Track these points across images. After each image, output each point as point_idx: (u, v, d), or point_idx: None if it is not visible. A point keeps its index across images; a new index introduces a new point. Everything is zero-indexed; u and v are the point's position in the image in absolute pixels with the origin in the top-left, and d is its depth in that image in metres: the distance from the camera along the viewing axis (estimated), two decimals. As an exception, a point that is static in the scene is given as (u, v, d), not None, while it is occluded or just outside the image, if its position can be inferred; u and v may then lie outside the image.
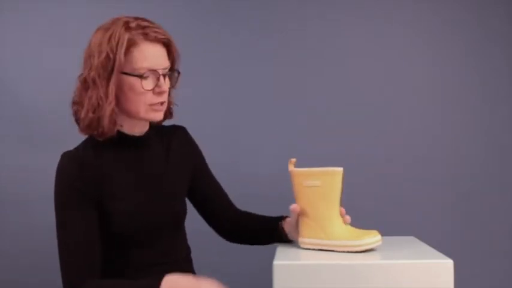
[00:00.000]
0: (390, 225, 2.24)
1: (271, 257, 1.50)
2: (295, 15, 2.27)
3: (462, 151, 2.26)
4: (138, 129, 1.50)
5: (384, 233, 2.19)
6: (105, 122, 1.39)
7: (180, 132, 1.64)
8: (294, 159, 1.52)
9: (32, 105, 2.24)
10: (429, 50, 2.27)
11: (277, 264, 1.42)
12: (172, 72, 1.48)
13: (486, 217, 2.25)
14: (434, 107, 2.27)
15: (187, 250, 1.63)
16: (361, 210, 2.26)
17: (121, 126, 1.46)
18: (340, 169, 1.47)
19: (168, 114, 1.58)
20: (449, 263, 1.40)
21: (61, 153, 1.40)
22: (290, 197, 2.25)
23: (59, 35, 2.26)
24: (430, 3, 2.27)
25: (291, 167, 1.53)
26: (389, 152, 2.26)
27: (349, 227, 1.48)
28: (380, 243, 1.45)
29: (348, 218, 1.52)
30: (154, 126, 1.59)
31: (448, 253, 1.53)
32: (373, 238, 1.43)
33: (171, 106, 1.58)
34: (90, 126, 1.41)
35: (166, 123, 1.62)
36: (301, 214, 1.51)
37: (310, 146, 2.26)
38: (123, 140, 1.48)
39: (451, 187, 2.25)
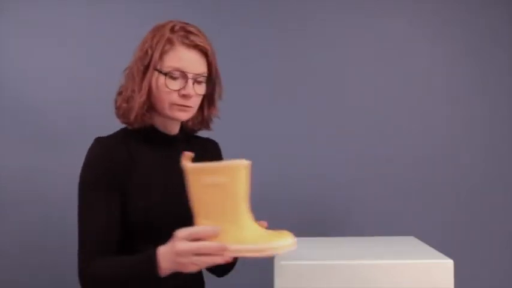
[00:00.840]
0: (390, 225, 2.24)
1: (272, 257, 1.50)
2: (296, 15, 2.27)
3: (462, 151, 2.26)
4: (168, 128, 1.53)
5: (384, 233, 2.20)
6: (133, 113, 1.46)
7: (210, 145, 1.66)
8: (189, 153, 1.30)
9: (32, 105, 2.24)
10: (430, 50, 2.27)
11: (277, 264, 1.42)
12: (210, 81, 1.51)
13: (486, 217, 2.25)
14: (435, 107, 2.27)
15: None
16: (361, 210, 2.26)
17: (150, 118, 1.49)
18: (247, 162, 1.24)
19: (205, 123, 1.59)
20: (449, 263, 1.40)
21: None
22: (290, 198, 2.25)
23: (59, 35, 2.26)
24: (431, 3, 2.27)
25: (186, 162, 1.28)
26: (390, 152, 2.26)
27: (260, 227, 1.26)
28: (294, 247, 1.25)
29: (264, 223, 1.39)
30: (188, 132, 1.62)
31: (448, 253, 1.53)
32: (286, 241, 1.22)
33: (211, 117, 1.59)
34: (124, 115, 1.49)
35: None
36: (201, 218, 1.29)
37: (310, 145, 2.26)
38: (154, 135, 1.52)
39: (451, 187, 2.25)
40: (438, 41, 2.27)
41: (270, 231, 1.24)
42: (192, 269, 1.26)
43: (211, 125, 1.61)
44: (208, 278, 1.99)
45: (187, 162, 1.28)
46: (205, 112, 1.57)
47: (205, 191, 1.25)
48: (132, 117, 1.47)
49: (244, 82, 2.26)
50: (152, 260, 1.30)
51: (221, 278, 1.76)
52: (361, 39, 2.28)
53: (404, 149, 2.26)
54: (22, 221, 2.23)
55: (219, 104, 1.59)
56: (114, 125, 1.69)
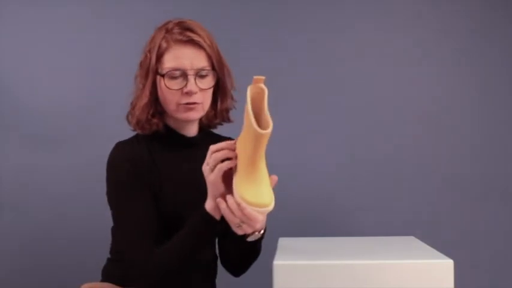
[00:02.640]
0: (390, 225, 2.24)
1: (271, 257, 1.50)
2: (296, 14, 2.27)
3: (462, 151, 2.26)
4: (184, 129, 1.53)
5: (384, 233, 2.20)
6: (135, 119, 1.48)
7: None
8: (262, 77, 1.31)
9: (32, 105, 2.24)
10: (431, 50, 2.27)
11: (277, 264, 1.42)
12: (215, 73, 1.49)
13: (486, 217, 2.25)
14: (435, 107, 2.26)
15: (214, 256, 1.65)
16: (361, 210, 2.26)
17: (159, 123, 1.48)
18: (267, 131, 1.28)
19: (221, 117, 1.57)
20: (449, 263, 1.40)
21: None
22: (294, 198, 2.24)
23: (60, 34, 2.26)
24: (432, 2, 2.27)
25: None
26: (390, 152, 2.26)
27: (267, 185, 1.35)
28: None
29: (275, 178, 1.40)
30: (209, 132, 1.62)
31: (448, 253, 1.53)
32: (259, 208, 1.30)
33: (228, 109, 1.57)
34: (130, 122, 1.51)
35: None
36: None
37: (309, 145, 2.25)
38: (172, 137, 1.52)
39: (452, 187, 2.25)
40: (439, 41, 2.27)
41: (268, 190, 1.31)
42: (213, 175, 1.31)
43: (231, 118, 1.59)
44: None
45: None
46: (219, 105, 1.55)
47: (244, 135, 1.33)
48: (133, 122, 1.49)
49: (242, 82, 2.25)
50: (202, 211, 1.36)
51: (219, 278, 1.76)
52: (360, 37, 2.27)
53: (404, 148, 2.26)
54: (22, 221, 2.23)
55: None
56: (115, 125, 1.69)
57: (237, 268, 1.63)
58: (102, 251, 1.63)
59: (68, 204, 2.22)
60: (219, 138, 1.63)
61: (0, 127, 2.24)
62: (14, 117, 2.24)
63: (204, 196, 1.44)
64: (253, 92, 1.33)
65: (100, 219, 1.65)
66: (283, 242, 1.75)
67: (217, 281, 1.69)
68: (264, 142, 1.31)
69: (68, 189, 2.22)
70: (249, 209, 1.28)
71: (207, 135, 1.60)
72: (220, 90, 1.54)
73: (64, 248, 2.22)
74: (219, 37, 1.56)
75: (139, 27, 2.25)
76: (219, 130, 1.66)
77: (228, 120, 1.60)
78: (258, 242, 1.52)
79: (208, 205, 1.37)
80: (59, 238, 2.23)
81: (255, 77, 1.32)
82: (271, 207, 1.30)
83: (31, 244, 2.23)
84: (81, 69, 2.26)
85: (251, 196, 1.28)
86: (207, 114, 1.54)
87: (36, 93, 2.25)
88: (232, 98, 1.58)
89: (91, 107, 2.24)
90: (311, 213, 2.24)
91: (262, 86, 1.32)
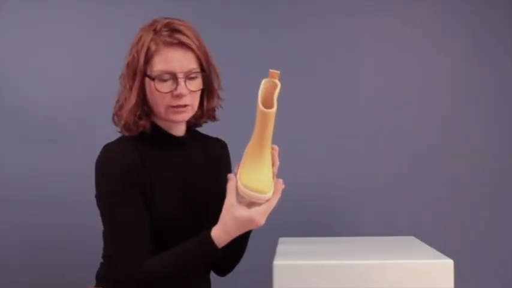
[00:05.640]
0: (390, 225, 2.24)
1: (271, 257, 1.50)
2: (298, 13, 2.27)
3: (463, 151, 2.26)
4: (174, 129, 1.52)
5: (383, 233, 2.20)
6: (122, 121, 1.46)
7: (220, 145, 1.66)
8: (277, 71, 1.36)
9: (32, 105, 2.24)
10: (431, 49, 2.27)
11: (277, 264, 1.42)
12: (204, 75, 1.48)
13: (486, 217, 2.24)
14: (436, 106, 2.26)
15: None
16: (361, 210, 2.26)
17: (146, 125, 1.48)
18: (272, 111, 1.32)
19: (206, 116, 1.57)
20: (449, 263, 1.40)
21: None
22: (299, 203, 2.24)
23: (59, 34, 2.26)
24: (432, 1, 2.27)
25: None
26: (390, 151, 2.26)
27: (269, 172, 1.38)
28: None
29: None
30: (196, 132, 1.61)
31: (448, 253, 1.53)
32: (260, 196, 1.34)
33: (214, 108, 1.57)
34: (117, 123, 1.50)
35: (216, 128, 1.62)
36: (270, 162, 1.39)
37: (309, 145, 2.25)
38: (160, 138, 1.51)
39: (451, 187, 2.25)
40: (440, 40, 2.27)
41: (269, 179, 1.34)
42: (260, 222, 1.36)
43: (217, 116, 1.58)
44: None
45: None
46: (205, 105, 1.54)
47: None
48: (121, 125, 1.47)
49: (242, 81, 2.26)
50: (206, 235, 1.35)
51: (218, 278, 1.76)
52: (360, 37, 2.27)
53: (404, 148, 2.26)
54: (22, 221, 2.23)
55: (222, 95, 1.57)
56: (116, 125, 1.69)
57: (222, 267, 1.63)
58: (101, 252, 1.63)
59: (68, 205, 2.22)
60: (207, 139, 1.64)
61: (0, 127, 2.24)
62: (14, 117, 2.24)
63: (195, 195, 1.46)
64: (267, 85, 1.36)
65: (100, 220, 1.64)
66: (283, 242, 1.75)
67: (217, 281, 1.69)
68: (269, 123, 1.33)
69: (67, 189, 2.22)
70: (242, 189, 1.31)
71: (195, 134, 1.61)
72: (207, 90, 1.53)
73: (63, 247, 2.22)
74: (213, 37, 1.56)
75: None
76: (213, 130, 1.66)
77: (214, 118, 1.59)
78: (246, 238, 1.52)
79: (216, 231, 1.36)
80: (59, 238, 2.23)
81: (271, 70, 1.35)
82: (266, 195, 1.32)
83: (30, 244, 2.23)
84: (81, 69, 2.26)
85: (248, 180, 1.32)
86: (194, 114, 1.53)
87: (36, 93, 2.25)
88: (218, 97, 1.57)
89: (91, 107, 2.24)
90: (311, 213, 2.24)
91: (277, 81, 1.35)
